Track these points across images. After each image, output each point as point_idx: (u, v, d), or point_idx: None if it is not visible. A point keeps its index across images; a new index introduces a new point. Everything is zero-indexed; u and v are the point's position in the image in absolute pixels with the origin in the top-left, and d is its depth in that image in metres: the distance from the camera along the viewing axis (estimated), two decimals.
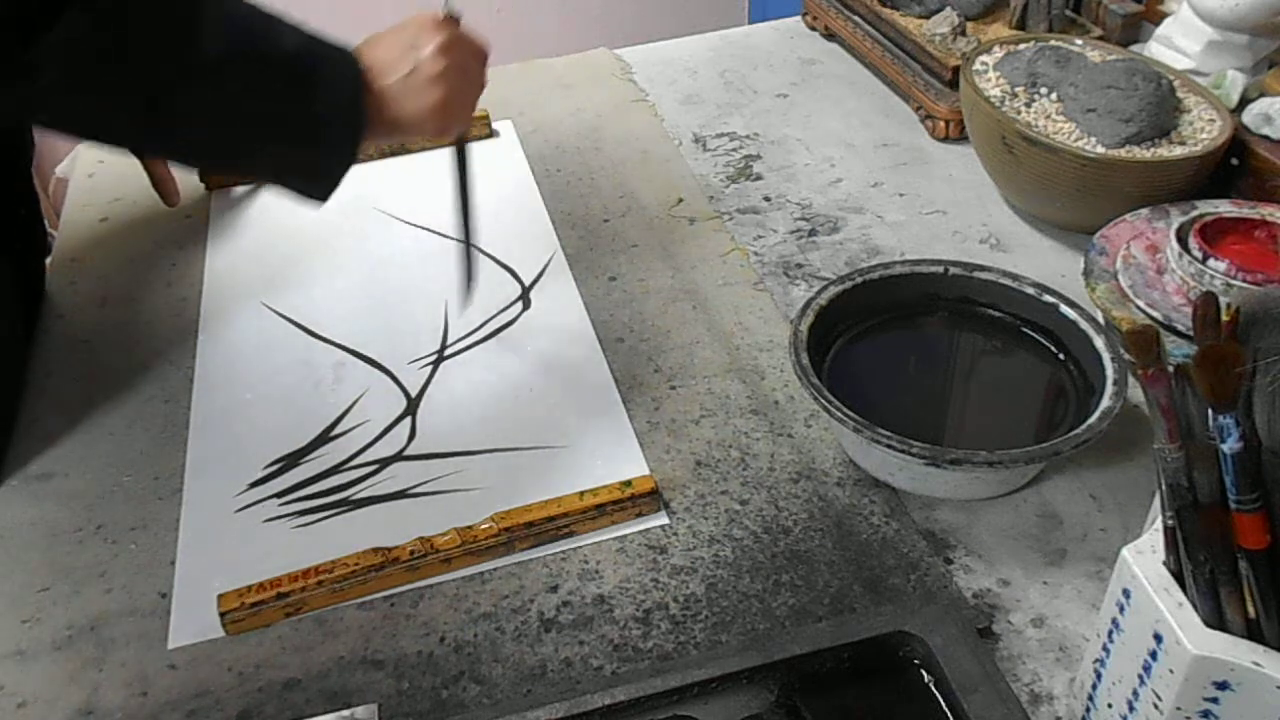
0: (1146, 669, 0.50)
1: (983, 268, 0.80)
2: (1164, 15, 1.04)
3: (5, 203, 0.86)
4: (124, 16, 0.62)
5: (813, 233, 0.98)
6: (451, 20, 0.76)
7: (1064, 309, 0.77)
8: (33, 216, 0.92)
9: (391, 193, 1.03)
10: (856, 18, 1.23)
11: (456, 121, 0.76)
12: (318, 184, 0.72)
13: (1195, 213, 0.83)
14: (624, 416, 0.79)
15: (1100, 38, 1.06)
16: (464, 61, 0.74)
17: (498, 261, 0.95)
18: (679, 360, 0.84)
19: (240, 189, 1.05)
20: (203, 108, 0.65)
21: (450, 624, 0.66)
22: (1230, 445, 0.46)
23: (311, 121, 0.69)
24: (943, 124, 1.09)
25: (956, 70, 1.05)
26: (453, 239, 0.97)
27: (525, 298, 0.91)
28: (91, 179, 1.08)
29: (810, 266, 0.94)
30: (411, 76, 0.71)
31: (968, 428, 0.77)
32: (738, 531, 0.70)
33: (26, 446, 0.79)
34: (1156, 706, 0.50)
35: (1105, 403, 0.69)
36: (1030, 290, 0.79)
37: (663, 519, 0.71)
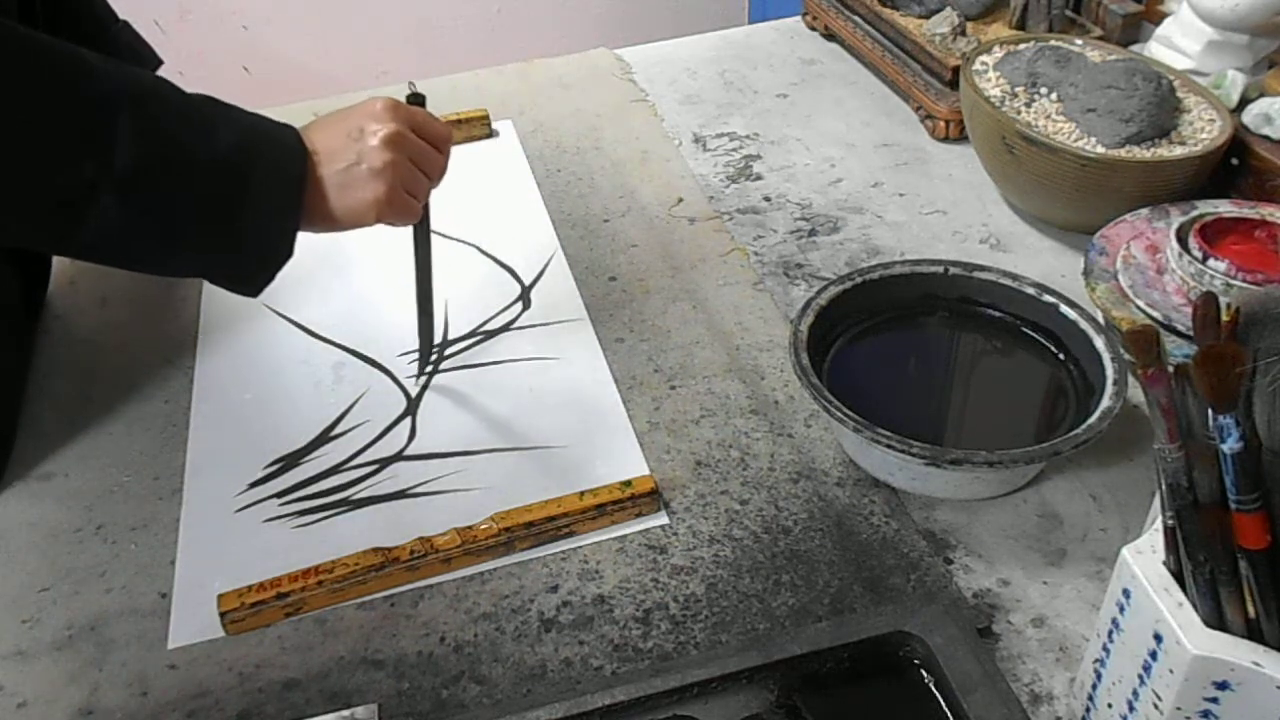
0: (1146, 669, 0.50)
1: (983, 268, 0.80)
2: (1164, 15, 1.04)
3: None
4: (18, 134, 0.59)
5: (813, 233, 0.98)
6: (413, 103, 0.72)
7: (1064, 309, 0.77)
8: None
9: None
10: (856, 18, 1.23)
11: (401, 216, 0.71)
12: (246, 282, 0.69)
13: (1195, 213, 0.83)
14: (624, 416, 0.79)
15: (1100, 38, 1.06)
16: (415, 153, 0.70)
17: (498, 261, 0.95)
18: (679, 360, 0.84)
19: None
20: (121, 220, 0.62)
21: (450, 624, 0.66)
22: (1230, 445, 0.46)
23: (241, 226, 0.65)
24: (943, 124, 1.09)
25: (956, 70, 1.05)
26: (455, 239, 0.97)
27: (525, 298, 0.91)
28: None
29: (810, 266, 0.94)
30: (352, 169, 0.67)
31: (968, 428, 0.77)
32: (738, 531, 0.71)
33: (26, 446, 0.79)
34: (1156, 706, 0.50)
35: (1105, 403, 0.69)
36: (1030, 290, 0.79)
37: (663, 519, 0.71)
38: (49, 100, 0.60)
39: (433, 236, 0.80)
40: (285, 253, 0.67)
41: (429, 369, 0.84)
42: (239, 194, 0.64)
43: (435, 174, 0.72)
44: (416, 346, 0.83)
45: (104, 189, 0.61)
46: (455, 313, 0.89)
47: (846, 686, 0.60)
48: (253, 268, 0.68)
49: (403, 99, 0.72)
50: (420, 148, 0.70)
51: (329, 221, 0.68)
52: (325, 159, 0.67)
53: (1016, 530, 0.70)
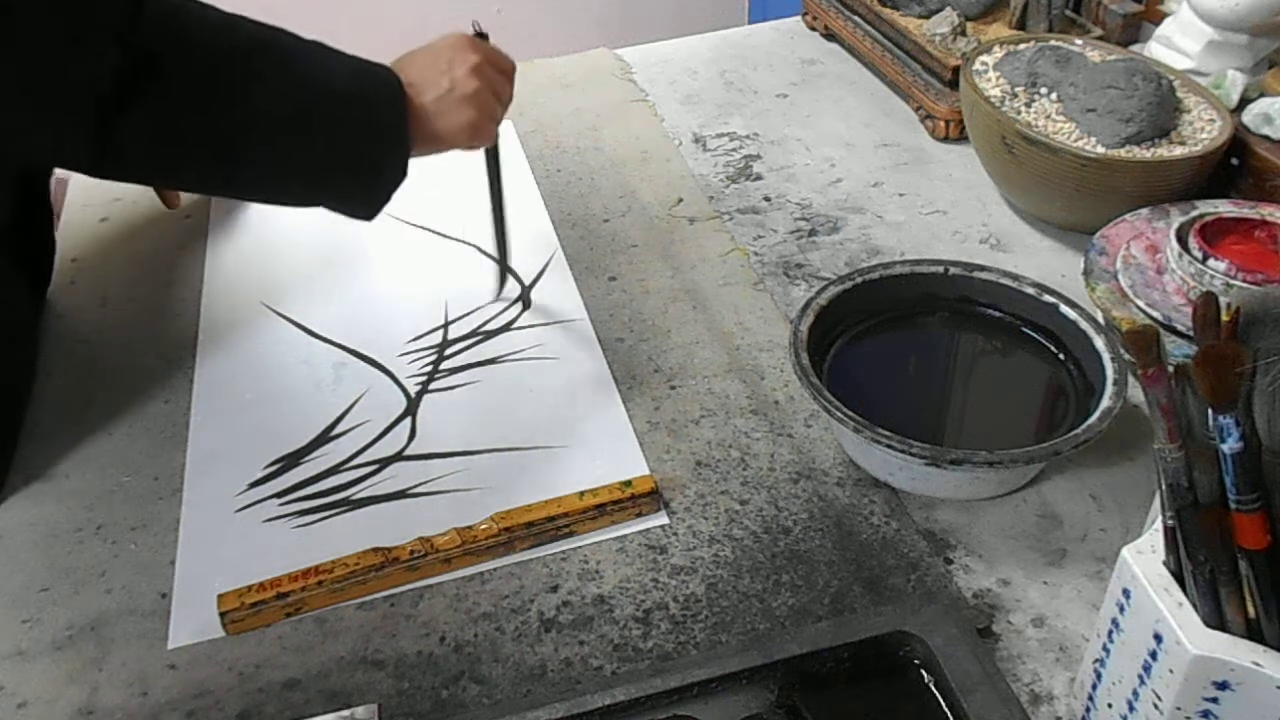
0: (1146, 669, 0.50)
1: (983, 268, 0.80)
2: (1164, 15, 1.04)
3: (24, 216, 0.85)
4: (180, 91, 0.66)
5: (813, 233, 0.98)
6: (481, 38, 0.79)
7: (1064, 309, 0.77)
8: (46, 227, 0.91)
9: None
10: (856, 18, 1.23)
11: (486, 137, 0.79)
12: (368, 204, 0.76)
13: (1195, 213, 0.83)
14: (624, 416, 0.79)
15: (1100, 38, 1.06)
16: (494, 80, 0.77)
17: (498, 261, 0.95)
18: (679, 360, 0.84)
19: None
20: (267, 158, 0.70)
21: (450, 624, 0.66)
22: (1230, 445, 0.46)
23: (366, 151, 0.73)
24: (943, 124, 1.09)
25: (956, 70, 1.05)
26: (455, 239, 0.98)
27: (525, 298, 0.91)
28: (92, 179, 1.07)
29: (810, 266, 0.94)
30: (447, 95, 0.74)
31: (968, 428, 0.77)
32: (738, 531, 0.71)
33: (26, 446, 0.79)
34: (1156, 706, 0.50)
35: (1105, 403, 0.69)
36: (1030, 290, 0.79)
37: (663, 519, 0.71)
38: (209, 56, 0.67)
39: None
40: (401, 174, 0.74)
41: (431, 363, 0.84)
42: (361, 125, 0.71)
43: (506, 102, 0.80)
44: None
45: (255, 131, 0.68)
46: (455, 313, 0.89)
47: (846, 686, 0.60)
48: (371, 191, 0.75)
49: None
50: (496, 78, 0.77)
51: (429, 144, 0.75)
52: (421, 89, 0.74)
53: (1016, 530, 0.70)
